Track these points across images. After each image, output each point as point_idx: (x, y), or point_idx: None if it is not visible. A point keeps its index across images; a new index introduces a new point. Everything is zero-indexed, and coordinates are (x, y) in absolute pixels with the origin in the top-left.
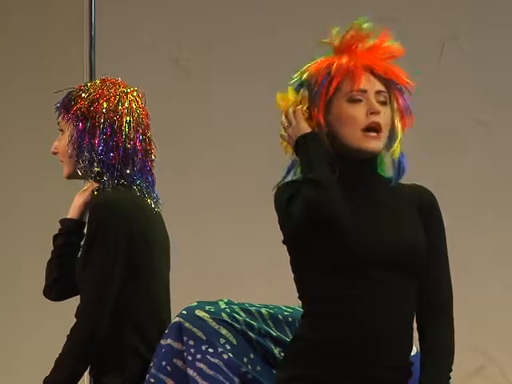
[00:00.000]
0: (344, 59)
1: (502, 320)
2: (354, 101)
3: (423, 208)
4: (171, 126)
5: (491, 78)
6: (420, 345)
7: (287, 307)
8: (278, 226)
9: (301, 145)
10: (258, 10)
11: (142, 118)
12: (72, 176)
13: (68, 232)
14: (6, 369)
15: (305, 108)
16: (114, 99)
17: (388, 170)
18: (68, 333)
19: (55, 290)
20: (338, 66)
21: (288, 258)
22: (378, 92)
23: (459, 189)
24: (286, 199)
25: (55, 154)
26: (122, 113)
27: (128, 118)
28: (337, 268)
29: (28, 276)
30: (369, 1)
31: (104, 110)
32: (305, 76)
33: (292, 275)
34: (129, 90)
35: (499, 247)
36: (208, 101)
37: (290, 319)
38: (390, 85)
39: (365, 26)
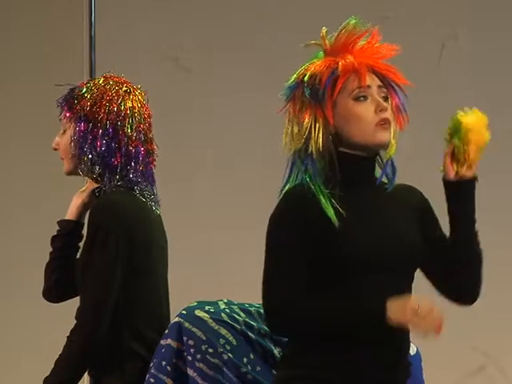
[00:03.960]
0: (348, 58)
1: (502, 320)
2: (359, 99)
3: (421, 207)
4: (171, 127)
5: (491, 77)
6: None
7: None
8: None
9: None
10: (257, 9)
11: (145, 118)
12: (72, 173)
13: (67, 233)
14: (7, 369)
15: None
16: (117, 99)
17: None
18: (68, 334)
19: (55, 292)
20: (344, 64)
21: None
22: (379, 87)
23: None
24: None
25: (56, 149)
26: (125, 114)
27: (130, 120)
28: (337, 272)
29: (27, 277)
30: (368, 1)
31: (107, 111)
32: (306, 76)
33: None
34: (131, 90)
35: (499, 246)
36: (208, 101)
37: None
38: (387, 83)
39: (356, 25)
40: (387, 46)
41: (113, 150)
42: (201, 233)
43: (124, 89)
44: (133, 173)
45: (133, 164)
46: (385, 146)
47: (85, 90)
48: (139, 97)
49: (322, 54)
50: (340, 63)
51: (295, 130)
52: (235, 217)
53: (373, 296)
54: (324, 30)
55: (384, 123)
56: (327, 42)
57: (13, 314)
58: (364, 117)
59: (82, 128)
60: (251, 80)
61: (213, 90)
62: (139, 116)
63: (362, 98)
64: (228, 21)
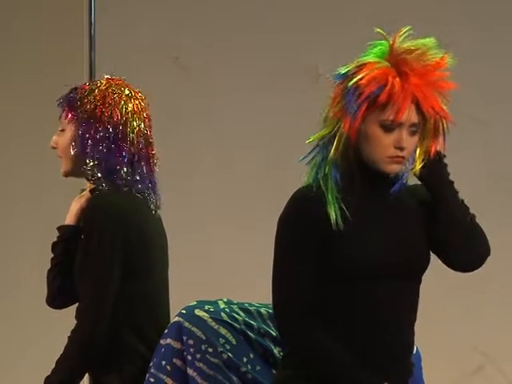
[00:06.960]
0: (396, 83)
1: (501, 320)
2: (386, 128)
3: (426, 202)
4: (171, 126)
5: (488, 76)
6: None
7: None
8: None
9: None
10: (257, 8)
11: (145, 122)
12: (69, 174)
13: (67, 239)
14: (7, 369)
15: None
16: (119, 103)
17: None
18: (69, 334)
19: (58, 298)
20: (389, 89)
21: None
22: (412, 125)
23: (456, 187)
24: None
25: (54, 148)
26: (127, 118)
27: (132, 123)
28: (348, 277)
29: (28, 278)
30: (368, 2)
31: (109, 114)
32: (351, 82)
33: None
34: (133, 93)
35: (498, 246)
36: (208, 100)
37: None
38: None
39: (430, 46)
40: (447, 82)
41: (114, 154)
42: (201, 232)
43: (126, 92)
44: (133, 176)
45: (134, 167)
46: (393, 173)
47: (87, 92)
48: (140, 100)
49: (386, 49)
50: (387, 86)
51: (328, 117)
52: (235, 216)
53: (369, 303)
54: (406, 28)
55: (397, 159)
56: (397, 43)
57: (15, 314)
58: (381, 146)
59: (84, 131)
60: (251, 79)
61: (212, 89)
62: (140, 120)
63: (388, 129)
64: (228, 20)
